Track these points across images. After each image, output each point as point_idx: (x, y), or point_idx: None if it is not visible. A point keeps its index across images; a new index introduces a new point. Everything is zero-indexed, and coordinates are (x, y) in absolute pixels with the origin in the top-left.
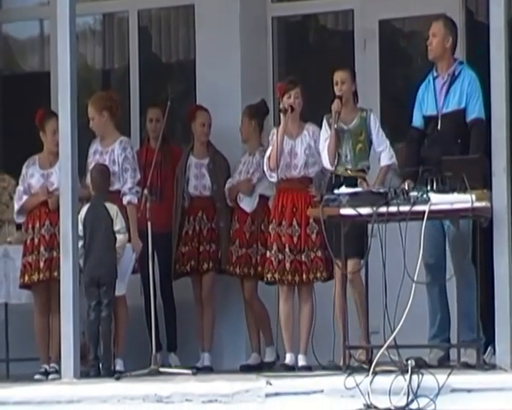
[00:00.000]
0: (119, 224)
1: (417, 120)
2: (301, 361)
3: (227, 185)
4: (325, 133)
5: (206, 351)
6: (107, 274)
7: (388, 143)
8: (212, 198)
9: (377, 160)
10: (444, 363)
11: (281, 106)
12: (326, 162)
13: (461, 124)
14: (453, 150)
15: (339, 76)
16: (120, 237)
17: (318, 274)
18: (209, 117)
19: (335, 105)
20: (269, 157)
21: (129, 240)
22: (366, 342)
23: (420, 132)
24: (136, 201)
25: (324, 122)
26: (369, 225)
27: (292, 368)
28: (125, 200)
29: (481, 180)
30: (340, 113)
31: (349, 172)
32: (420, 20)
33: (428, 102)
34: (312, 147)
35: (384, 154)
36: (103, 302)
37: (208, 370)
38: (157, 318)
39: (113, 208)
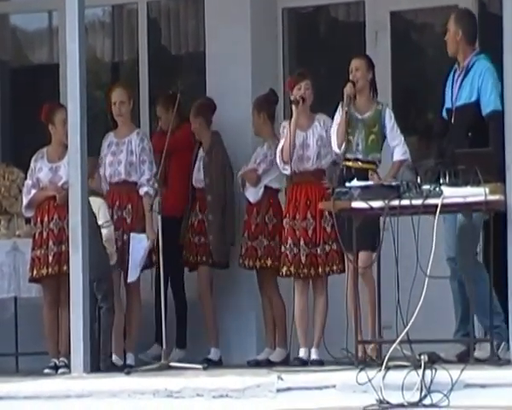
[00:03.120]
0: (102, 218)
1: (444, 111)
2: (314, 355)
3: (240, 172)
4: (338, 117)
5: (212, 346)
6: (95, 270)
7: (403, 138)
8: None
9: (390, 155)
10: (464, 358)
11: (292, 98)
12: (334, 145)
13: (472, 118)
14: (464, 144)
15: (353, 63)
16: (105, 232)
17: (334, 267)
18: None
19: (347, 88)
20: (281, 150)
21: (143, 230)
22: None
23: (445, 123)
24: (152, 192)
25: (339, 107)
26: (382, 219)
27: (306, 362)
28: (142, 191)
29: (495, 173)
30: (352, 98)
31: (360, 163)
32: (432, 12)
33: (448, 95)
34: (324, 137)
35: (398, 149)
36: (98, 298)
37: (217, 363)
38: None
39: (96, 202)
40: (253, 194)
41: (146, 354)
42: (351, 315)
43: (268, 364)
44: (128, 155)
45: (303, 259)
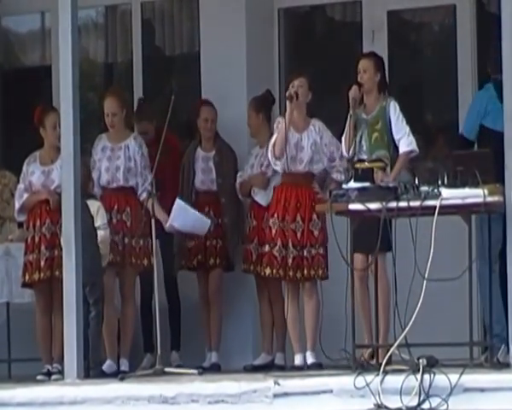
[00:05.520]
0: (99, 220)
1: None
2: (310, 358)
3: (238, 180)
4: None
5: (213, 350)
6: (88, 274)
7: (408, 129)
8: (218, 193)
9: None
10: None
11: (286, 93)
12: (343, 150)
13: None
14: None
15: (361, 64)
16: (101, 234)
17: (320, 271)
18: (214, 112)
19: (352, 91)
20: (273, 144)
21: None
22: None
23: None
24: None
25: (350, 111)
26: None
27: (302, 369)
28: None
29: (493, 174)
30: (358, 101)
31: (366, 163)
32: (429, 11)
33: None
34: (318, 143)
35: (403, 140)
36: (90, 302)
37: (216, 368)
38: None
39: (94, 205)
40: (263, 197)
41: (143, 368)
42: (362, 319)
43: (267, 367)
44: (126, 161)
45: (289, 261)
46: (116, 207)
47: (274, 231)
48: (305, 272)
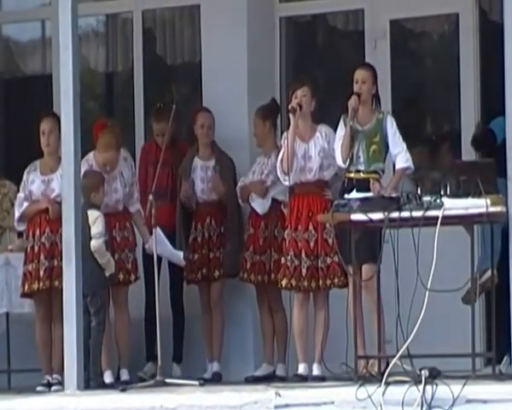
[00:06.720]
0: (94, 229)
1: None
2: (315, 371)
3: (239, 184)
4: (340, 131)
5: (214, 360)
6: (87, 284)
7: (405, 146)
8: (220, 202)
9: (392, 164)
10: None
11: (289, 107)
12: (339, 160)
13: None
14: None
15: (360, 74)
16: (92, 243)
17: (336, 280)
18: (211, 118)
19: (352, 101)
20: (281, 160)
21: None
22: (380, 352)
23: None
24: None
25: (341, 120)
26: (383, 230)
27: (305, 378)
28: (134, 208)
29: (496, 184)
30: (357, 110)
31: (361, 174)
32: (432, 20)
33: None
34: (326, 149)
35: (400, 156)
36: (91, 312)
37: (217, 377)
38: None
39: (93, 215)
40: (260, 205)
41: (145, 372)
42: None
43: (268, 378)
44: (123, 189)
45: (303, 271)
46: (117, 225)
47: (287, 243)
48: (321, 282)
